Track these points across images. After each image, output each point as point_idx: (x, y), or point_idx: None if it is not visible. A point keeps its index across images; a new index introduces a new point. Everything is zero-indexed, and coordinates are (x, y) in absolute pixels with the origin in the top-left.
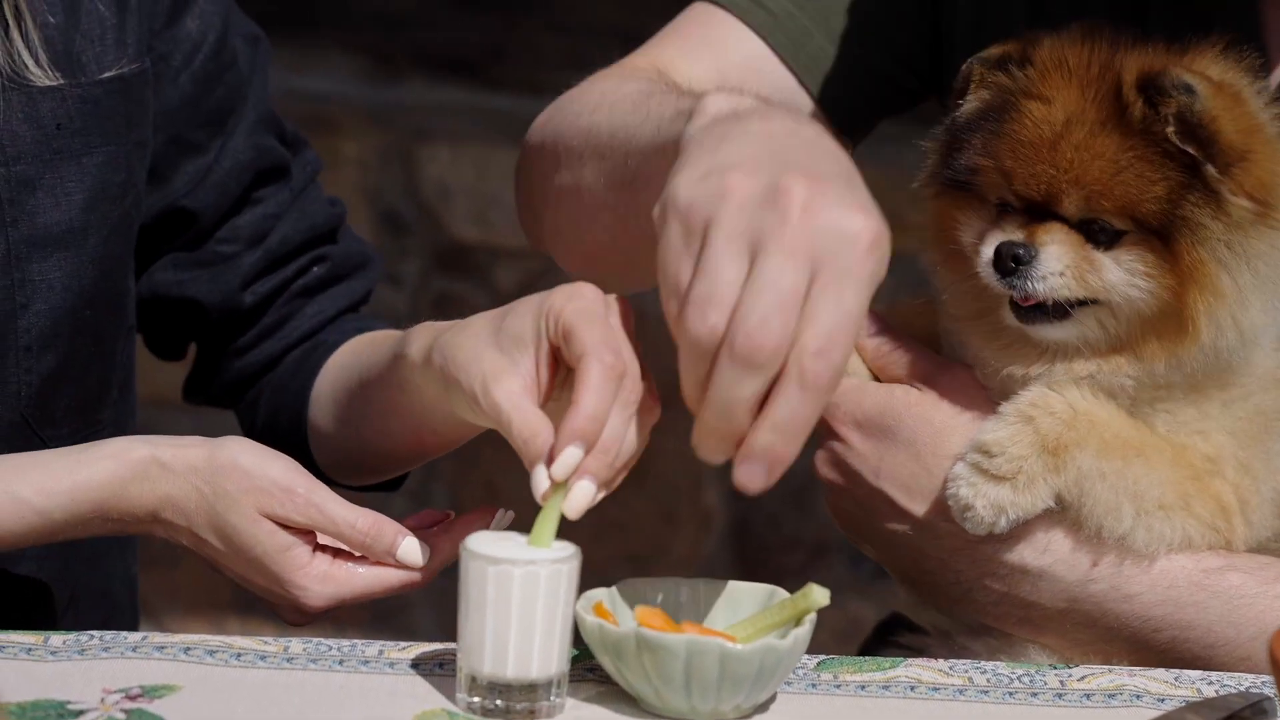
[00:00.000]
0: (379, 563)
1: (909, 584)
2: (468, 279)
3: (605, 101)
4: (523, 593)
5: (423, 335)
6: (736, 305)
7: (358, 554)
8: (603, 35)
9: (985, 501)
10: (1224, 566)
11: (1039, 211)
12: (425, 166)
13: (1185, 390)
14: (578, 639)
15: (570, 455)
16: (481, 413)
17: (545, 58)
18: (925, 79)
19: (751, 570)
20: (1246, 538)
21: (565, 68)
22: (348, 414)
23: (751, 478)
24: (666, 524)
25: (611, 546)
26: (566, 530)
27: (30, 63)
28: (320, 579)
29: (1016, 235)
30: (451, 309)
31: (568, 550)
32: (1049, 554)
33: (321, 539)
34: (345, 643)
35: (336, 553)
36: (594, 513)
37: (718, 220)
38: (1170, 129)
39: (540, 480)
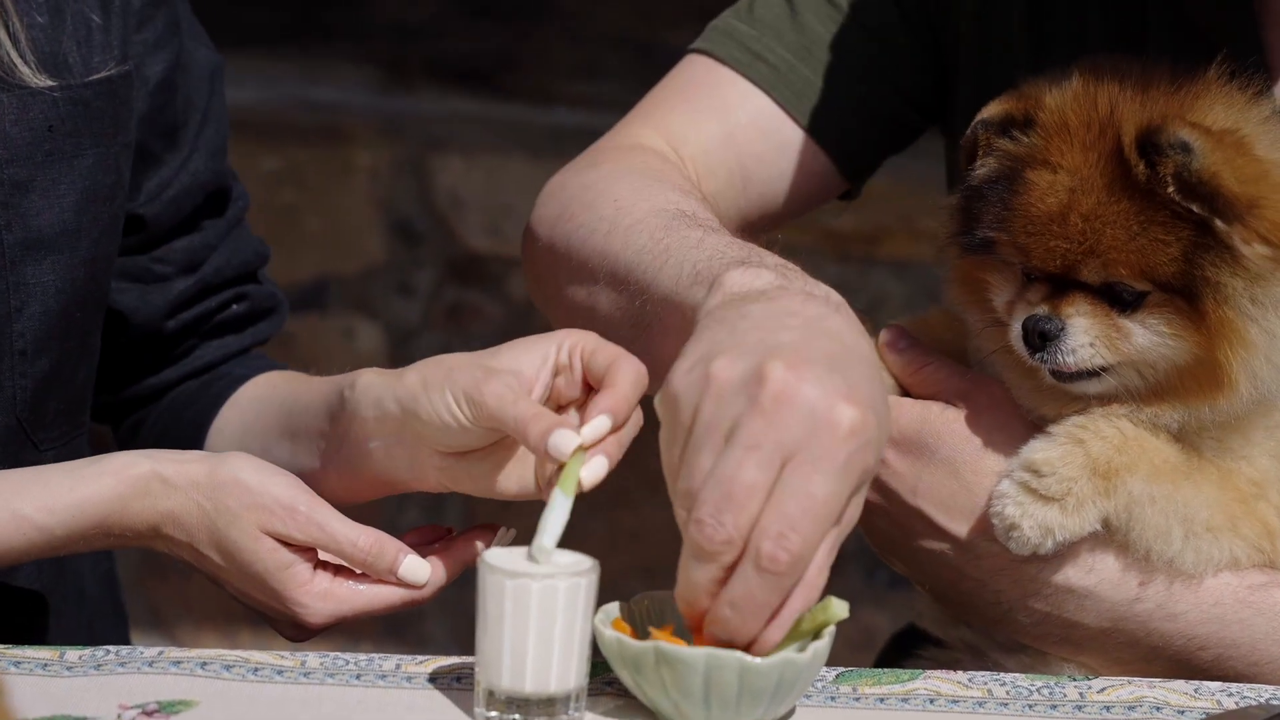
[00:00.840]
0: (380, 580)
1: (944, 602)
2: (481, 289)
3: (620, 223)
4: (541, 607)
5: (376, 370)
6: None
7: (359, 571)
8: (615, 44)
9: (1032, 522)
10: (1268, 583)
11: (1060, 280)
12: (438, 176)
13: (1230, 418)
14: (596, 652)
15: (602, 423)
16: (479, 407)
17: (557, 67)
18: (931, 113)
19: None
20: None
21: (577, 77)
22: (257, 446)
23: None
24: (681, 534)
25: (625, 557)
26: (581, 542)
27: (19, 62)
28: (321, 596)
29: (1041, 308)
30: (465, 319)
31: (585, 564)
32: (1094, 574)
33: (323, 556)
34: (362, 657)
35: (338, 570)
36: (608, 522)
37: (700, 411)
38: (1170, 189)
39: (568, 440)
